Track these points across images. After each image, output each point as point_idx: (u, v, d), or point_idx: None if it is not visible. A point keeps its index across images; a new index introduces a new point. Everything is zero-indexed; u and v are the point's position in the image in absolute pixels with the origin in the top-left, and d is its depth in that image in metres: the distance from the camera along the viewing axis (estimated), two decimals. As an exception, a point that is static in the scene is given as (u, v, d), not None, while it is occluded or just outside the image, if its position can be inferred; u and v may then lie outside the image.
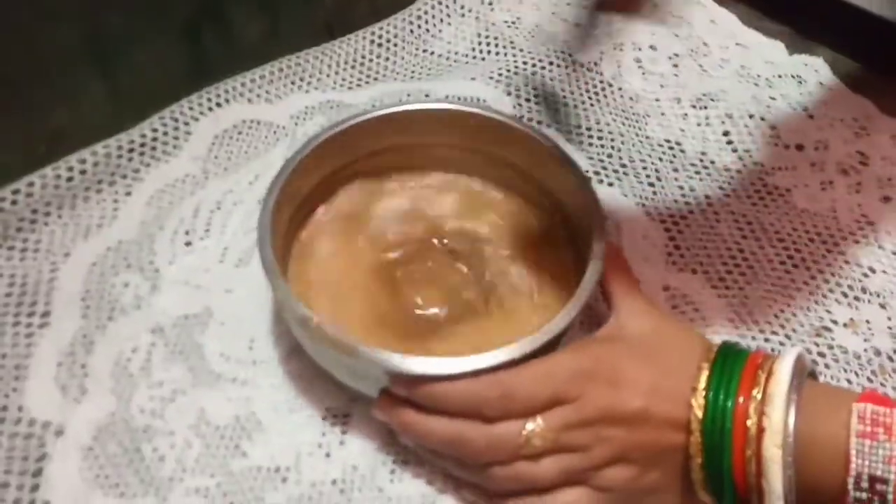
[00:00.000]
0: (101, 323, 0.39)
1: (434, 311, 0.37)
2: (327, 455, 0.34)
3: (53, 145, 0.41)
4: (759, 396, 0.29)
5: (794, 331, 0.39)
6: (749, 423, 0.29)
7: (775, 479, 0.28)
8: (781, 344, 0.39)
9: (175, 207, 0.43)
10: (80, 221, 0.42)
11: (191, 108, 0.46)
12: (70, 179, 0.43)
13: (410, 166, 0.41)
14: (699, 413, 0.30)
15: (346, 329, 0.33)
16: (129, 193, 0.44)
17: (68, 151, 0.42)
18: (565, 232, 0.40)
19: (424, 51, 0.53)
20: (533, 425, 0.31)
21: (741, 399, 0.30)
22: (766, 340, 0.39)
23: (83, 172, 0.43)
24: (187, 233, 0.42)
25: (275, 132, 0.47)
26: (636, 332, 0.33)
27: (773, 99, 0.50)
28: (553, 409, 0.31)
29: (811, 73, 0.51)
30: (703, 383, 0.30)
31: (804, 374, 0.31)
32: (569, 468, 0.31)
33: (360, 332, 0.35)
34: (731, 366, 0.31)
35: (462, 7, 0.54)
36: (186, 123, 0.46)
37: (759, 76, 0.51)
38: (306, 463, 0.34)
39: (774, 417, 0.29)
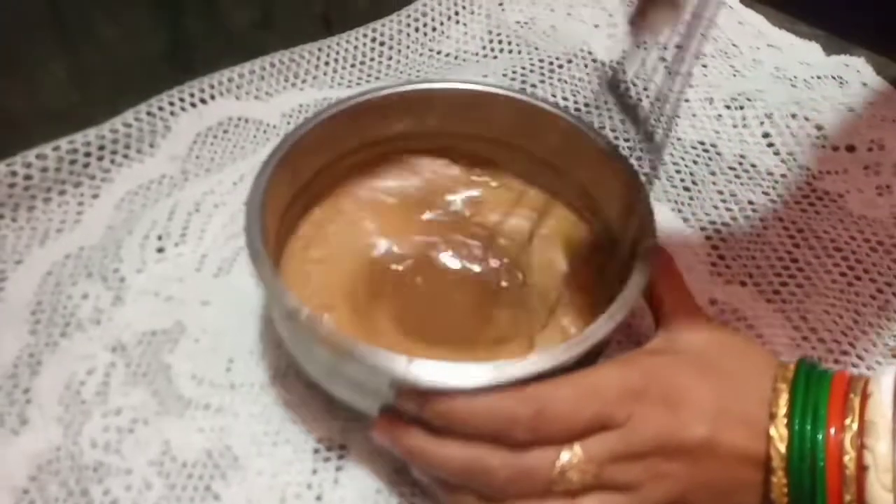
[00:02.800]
0: (53, 340, 0.33)
1: (449, 321, 0.32)
2: (318, 498, 0.29)
3: (6, 133, 0.36)
4: (854, 426, 0.24)
5: (865, 350, 0.34)
6: (846, 458, 0.24)
7: (887, 529, 0.22)
8: (854, 366, 0.33)
9: (148, 210, 0.38)
10: (38, 226, 0.37)
11: (171, 103, 0.42)
12: (28, 178, 0.38)
13: (430, 154, 0.36)
14: (782, 447, 0.24)
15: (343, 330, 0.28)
16: (96, 196, 0.39)
17: (22, 143, 0.37)
18: (605, 234, 0.34)
19: (430, 50, 0.48)
20: (569, 455, 0.25)
21: (832, 430, 0.24)
22: (836, 362, 0.33)
23: (44, 170, 0.38)
24: (160, 238, 0.37)
25: (264, 131, 0.42)
26: (693, 345, 0.28)
27: (814, 100, 0.45)
28: (595, 434, 0.25)
29: (853, 73, 0.47)
30: (783, 408, 0.25)
31: None
32: None
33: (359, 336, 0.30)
34: (815, 388, 0.25)
35: (471, 4, 0.50)
36: (165, 119, 0.41)
37: (795, 77, 0.47)
38: (292, 508, 0.28)
39: (880, 451, 0.23)
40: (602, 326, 0.27)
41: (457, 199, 0.36)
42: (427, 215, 0.35)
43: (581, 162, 0.34)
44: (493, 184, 0.37)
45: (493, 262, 0.34)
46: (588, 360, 0.27)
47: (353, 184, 0.35)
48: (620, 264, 0.31)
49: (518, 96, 0.35)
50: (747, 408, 0.25)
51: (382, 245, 0.34)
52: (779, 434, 0.24)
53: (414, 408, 0.26)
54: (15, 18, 0.35)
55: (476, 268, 0.34)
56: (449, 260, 0.34)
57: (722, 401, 0.26)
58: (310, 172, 0.33)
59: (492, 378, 0.25)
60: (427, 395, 0.25)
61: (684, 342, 0.28)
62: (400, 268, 0.33)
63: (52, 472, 0.29)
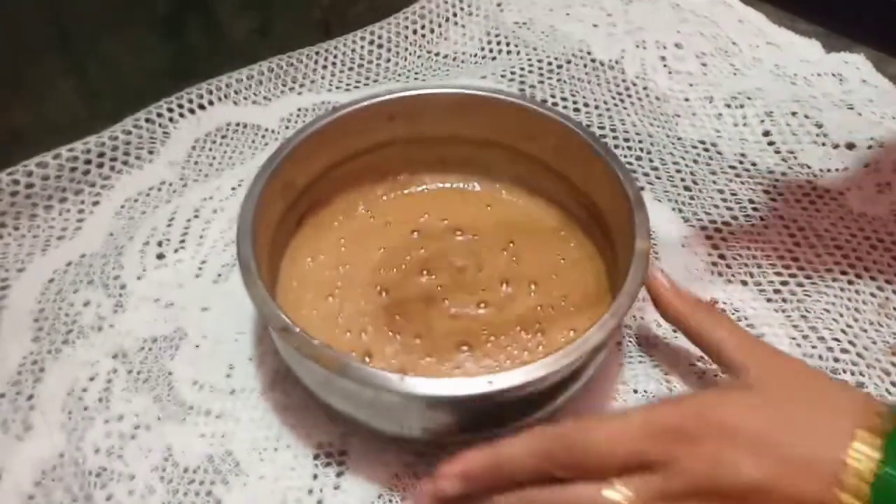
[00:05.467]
0: (55, 347, 0.33)
1: (442, 332, 0.32)
2: (319, 502, 0.29)
3: (11, 147, 0.36)
4: None
5: (865, 349, 0.34)
6: None
7: None
8: (854, 364, 0.33)
9: (147, 217, 0.38)
10: (40, 233, 0.38)
11: (170, 110, 0.42)
12: (30, 186, 0.38)
13: (420, 162, 0.36)
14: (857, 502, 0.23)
15: (337, 344, 0.28)
16: (96, 203, 0.39)
17: (29, 154, 0.37)
18: (600, 237, 0.34)
19: (429, 52, 0.49)
20: (612, 492, 0.24)
21: None
22: (836, 360, 0.33)
23: (45, 178, 0.38)
24: (160, 244, 0.37)
25: (263, 136, 0.43)
26: (762, 383, 0.27)
27: (814, 98, 0.45)
28: (638, 473, 0.24)
29: (853, 70, 0.47)
30: (859, 454, 0.23)
31: None
32: None
33: (353, 349, 0.30)
34: None
35: (469, 6, 0.50)
36: (164, 126, 0.41)
37: (795, 75, 0.47)
38: (293, 513, 0.28)
39: None
40: (593, 335, 0.26)
41: (452, 204, 0.36)
42: (423, 221, 0.35)
43: (577, 164, 0.34)
44: (489, 189, 0.37)
45: (491, 268, 0.34)
46: (580, 368, 0.27)
47: (347, 192, 0.35)
48: (617, 267, 0.31)
49: (512, 99, 0.35)
50: (816, 451, 0.24)
51: (379, 253, 0.34)
52: (855, 484, 0.23)
53: (459, 486, 0.25)
54: (21, 38, 0.35)
55: (474, 274, 0.34)
56: (446, 267, 0.34)
57: (786, 445, 0.24)
58: (304, 182, 0.33)
59: (480, 389, 0.25)
60: (467, 464, 0.25)
61: (753, 379, 0.27)
62: (397, 275, 0.34)
63: (57, 477, 0.29)
